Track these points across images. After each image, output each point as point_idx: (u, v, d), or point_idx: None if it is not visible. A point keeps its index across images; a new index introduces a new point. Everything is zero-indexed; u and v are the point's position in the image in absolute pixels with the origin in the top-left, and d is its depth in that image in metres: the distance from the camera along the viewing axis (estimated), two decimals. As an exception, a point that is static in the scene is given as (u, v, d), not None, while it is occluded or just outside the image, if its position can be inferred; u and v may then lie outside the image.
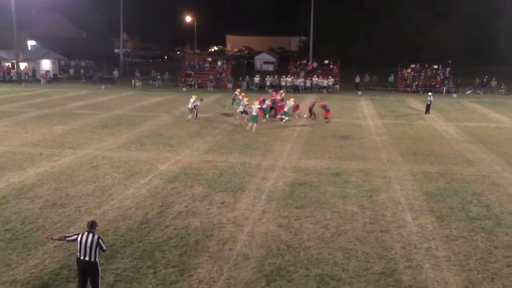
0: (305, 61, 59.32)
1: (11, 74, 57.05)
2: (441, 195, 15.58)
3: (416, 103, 40.40)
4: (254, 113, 26.41)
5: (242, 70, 72.39)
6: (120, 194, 15.21)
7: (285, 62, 75.46)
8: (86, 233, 8.75)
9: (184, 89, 50.49)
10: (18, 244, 11.45)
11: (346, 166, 19.10)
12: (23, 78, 56.70)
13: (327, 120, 29.49)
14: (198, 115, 29.90)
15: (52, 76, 59.35)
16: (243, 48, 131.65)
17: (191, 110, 29.71)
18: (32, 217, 13.17)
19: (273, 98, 31.93)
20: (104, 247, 8.79)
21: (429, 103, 33.77)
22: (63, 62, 68.72)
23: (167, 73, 56.85)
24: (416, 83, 51.96)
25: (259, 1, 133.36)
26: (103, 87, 51.16)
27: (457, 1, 72.34)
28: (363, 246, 11.64)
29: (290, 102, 30.19)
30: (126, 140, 23.41)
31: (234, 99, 33.23)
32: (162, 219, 13.21)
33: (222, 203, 14.56)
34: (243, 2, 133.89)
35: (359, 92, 48.68)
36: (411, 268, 10.60)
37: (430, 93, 36.30)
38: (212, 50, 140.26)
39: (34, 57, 62.92)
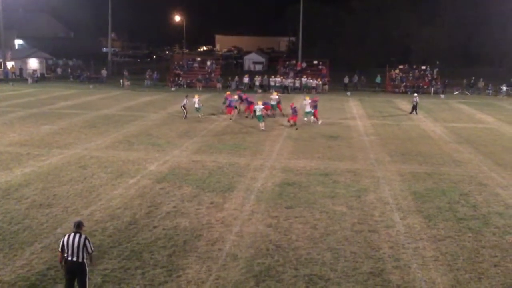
0: (294, 62, 59.43)
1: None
2: (429, 195, 15.68)
3: (404, 103, 40.63)
4: (258, 113, 26.71)
5: (231, 70, 72.33)
6: (108, 194, 15.11)
7: (274, 62, 75.56)
8: (72, 234, 8.67)
9: (173, 89, 50.32)
10: (5, 245, 11.33)
11: (335, 166, 19.16)
12: (10, 77, 56.16)
13: (290, 123, 27.86)
14: (188, 115, 29.89)
15: (39, 76, 58.84)
16: (232, 48, 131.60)
17: (199, 109, 30.43)
18: (18, 217, 13.03)
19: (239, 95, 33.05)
20: (90, 250, 8.69)
21: (415, 104, 34.06)
22: (50, 62, 68.20)
23: (155, 72, 56.62)
24: (404, 83, 52.25)
25: (248, 1, 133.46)
26: (91, 86, 50.83)
27: (444, 3, 72.99)
28: (352, 246, 11.68)
29: (307, 101, 29.94)
30: (114, 140, 23.27)
31: (224, 103, 33.31)
32: (150, 219, 13.15)
33: (211, 203, 14.53)
34: (232, 2, 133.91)
35: (348, 93, 48.85)
36: (399, 268, 10.66)
37: (415, 94, 36.58)
38: (201, 50, 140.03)
39: (21, 56, 62.38)
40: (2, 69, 56.73)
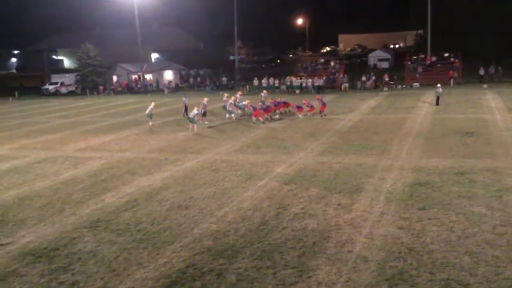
0: (422, 56, 56.66)
1: (138, 85, 61.64)
2: None
3: (551, 93, 36.76)
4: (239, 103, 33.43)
5: (355, 69, 71.16)
6: (238, 196, 15.71)
7: (401, 58, 72.76)
8: None
9: (297, 91, 50.81)
10: (148, 243, 12.31)
11: (471, 164, 17.92)
12: (148, 89, 60.90)
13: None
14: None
15: (174, 86, 62.99)
16: (356, 46, 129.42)
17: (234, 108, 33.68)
18: (160, 218, 14.09)
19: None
20: None
21: (438, 95, 33.03)
22: (183, 72, 72.68)
23: (271, 78, 57.36)
24: (549, 73, 47.24)
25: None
26: (220, 93, 53.15)
27: None
28: (493, 250, 10.84)
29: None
30: (242, 144, 24.12)
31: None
32: (279, 220, 13.41)
33: (339, 204, 14.42)
34: (354, 0, 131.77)
35: (484, 85, 45.43)
36: (550, 275, 9.67)
37: (438, 85, 33.71)
38: (324, 50, 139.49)
39: (157, 69, 67.37)
40: (141, 82, 61.80)
